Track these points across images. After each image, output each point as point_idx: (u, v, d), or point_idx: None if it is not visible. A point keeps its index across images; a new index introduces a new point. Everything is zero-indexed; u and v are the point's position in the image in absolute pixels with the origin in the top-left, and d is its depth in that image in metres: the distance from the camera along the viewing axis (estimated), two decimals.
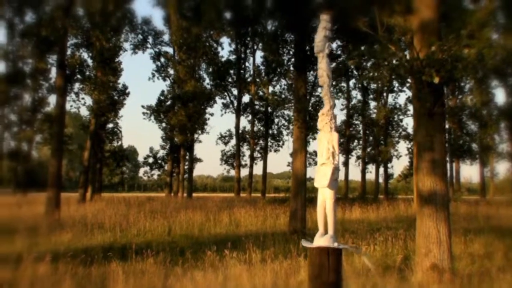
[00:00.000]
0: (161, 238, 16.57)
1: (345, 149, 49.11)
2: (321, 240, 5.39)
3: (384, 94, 49.70)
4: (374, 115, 49.44)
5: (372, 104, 51.04)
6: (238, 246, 12.69)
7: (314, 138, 40.74)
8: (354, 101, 50.76)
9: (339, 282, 5.22)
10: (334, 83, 42.64)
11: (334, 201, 5.49)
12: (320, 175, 5.55)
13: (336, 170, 5.55)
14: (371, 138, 50.53)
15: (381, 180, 50.91)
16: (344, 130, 47.97)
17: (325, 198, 5.53)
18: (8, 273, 8.96)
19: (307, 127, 17.70)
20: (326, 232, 5.57)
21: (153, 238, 16.44)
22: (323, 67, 5.88)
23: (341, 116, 50.94)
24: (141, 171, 58.02)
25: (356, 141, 51.36)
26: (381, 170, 50.11)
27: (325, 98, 5.83)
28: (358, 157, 50.78)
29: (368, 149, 50.25)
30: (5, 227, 17.60)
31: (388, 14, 10.05)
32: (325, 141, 5.66)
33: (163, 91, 48.55)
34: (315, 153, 44.76)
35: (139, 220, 19.27)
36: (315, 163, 41.81)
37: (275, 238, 14.29)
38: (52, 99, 51.75)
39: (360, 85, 48.81)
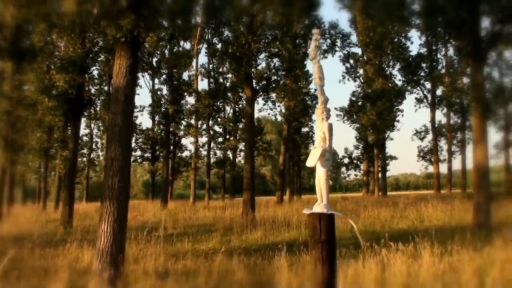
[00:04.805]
0: (343, 234, 17.07)
1: None
2: (317, 208, 6.45)
3: None
4: None
5: None
6: (414, 239, 12.65)
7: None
8: None
9: (331, 241, 6.23)
10: None
11: (326, 177, 6.60)
12: (311, 156, 6.66)
13: (325, 151, 6.57)
14: None
15: None
16: None
17: (319, 175, 6.57)
18: (195, 263, 10.48)
19: (487, 116, 16.67)
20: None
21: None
22: (316, 71, 6.95)
23: None
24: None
25: None
26: None
27: (318, 95, 6.87)
28: None
29: None
30: (208, 227, 20.03)
31: None
32: (318, 130, 6.76)
33: (354, 92, 49.20)
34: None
35: None
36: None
37: (455, 232, 13.84)
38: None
39: None
